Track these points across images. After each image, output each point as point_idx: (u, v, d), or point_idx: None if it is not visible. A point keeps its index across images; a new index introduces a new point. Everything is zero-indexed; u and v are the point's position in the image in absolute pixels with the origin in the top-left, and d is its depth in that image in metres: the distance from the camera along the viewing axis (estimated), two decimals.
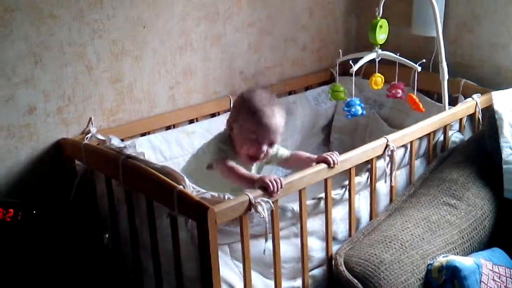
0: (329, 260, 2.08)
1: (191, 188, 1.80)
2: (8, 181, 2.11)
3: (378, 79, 2.63)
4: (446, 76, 2.57)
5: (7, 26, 2.00)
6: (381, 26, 2.54)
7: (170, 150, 2.44)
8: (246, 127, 1.99)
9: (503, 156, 2.20)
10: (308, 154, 2.16)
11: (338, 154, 2.02)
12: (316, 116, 3.00)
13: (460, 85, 2.75)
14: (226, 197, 1.78)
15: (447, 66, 2.84)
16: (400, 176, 2.37)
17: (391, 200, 2.29)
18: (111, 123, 2.35)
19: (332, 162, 1.98)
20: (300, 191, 1.92)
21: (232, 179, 1.93)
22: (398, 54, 2.62)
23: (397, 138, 2.22)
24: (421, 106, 2.58)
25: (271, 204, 1.79)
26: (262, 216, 1.76)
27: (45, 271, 1.94)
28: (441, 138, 2.48)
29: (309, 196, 2.02)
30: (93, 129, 2.25)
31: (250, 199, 1.74)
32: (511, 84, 2.64)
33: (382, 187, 2.28)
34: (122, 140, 2.31)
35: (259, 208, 1.75)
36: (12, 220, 1.87)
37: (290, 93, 2.97)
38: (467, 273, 1.90)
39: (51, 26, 2.10)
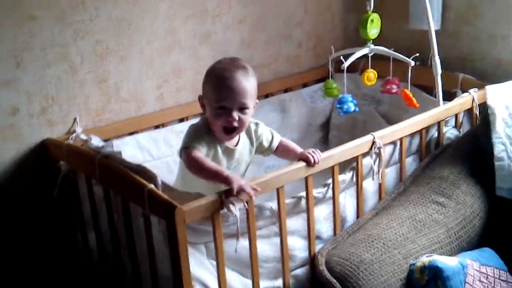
0: (311, 259, 2.03)
1: (162, 186, 1.78)
2: None
3: (371, 74, 2.58)
4: (439, 71, 2.50)
5: None
6: (372, 21, 2.48)
7: (158, 150, 2.43)
8: (211, 98, 1.88)
9: (495, 153, 2.13)
10: (293, 146, 2.08)
11: (320, 153, 1.98)
12: (312, 114, 2.96)
13: (458, 79, 2.67)
14: (194, 195, 1.75)
15: (447, 60, 2.77)
16: (391, 173, 2.31)
17: (380, 198, 2.24)
18: (97, 123, 2.34)
19: (312, 161, 1.94)
20: (278, 189, 1.88)
21: (195, 171, 1.83)
22: (392, 49, 2.57)
23: (384, 135, 2.16)
24: (414, 101, 2.51)
25: (245, 204, 1.75)
26: (234, 215, 1.73)
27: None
28: (436, 134, 2.41)
29: (294, 193, 1.99)
30: (78, 129, 2.25)
31: (221, 198, 1.71)
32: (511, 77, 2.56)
33: (370, 185, 2.23)
34: (108, 140, 2.32)
35: (231, 207, 1.72)
36: None
37: (286, 91, 2.93)
38: (450, 273, 1.84)
39: (32, 28, 2.10)
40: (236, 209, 1.72)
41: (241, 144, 2.01)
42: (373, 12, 2.49)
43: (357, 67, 2.93)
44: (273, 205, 1.92)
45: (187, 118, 2.56)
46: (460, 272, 1.87)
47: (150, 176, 1.79)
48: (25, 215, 2.18)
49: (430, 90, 2.79)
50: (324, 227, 2.11)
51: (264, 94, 2.83)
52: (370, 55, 2.57)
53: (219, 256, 1.77)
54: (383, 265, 1.90)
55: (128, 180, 1.79)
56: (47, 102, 2.20)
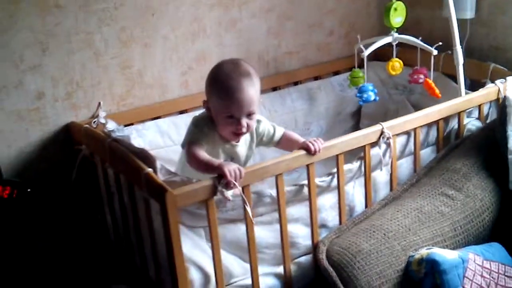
0: (315, 248, 2.05)
1: (163, 171, 1.85)
2: (20, 162, 2.26)
3: (396, 64, 2.54)
4: (461, 60, 2.43)
5: (13, 16, 2.14)
6: (395, 9, 2.44)
7: (179, 135, 2.49)
8: (219, 106, 1.92)
9: (509, 146, 2.05)
10: (297, 137, 2.11)
11: (322, 141, 1.98)
12: (342, 102, 2.94)
13: (488, 69, 2.57)
14: (194, 180, 1.82)
15: (480, 50, 2.70)
16: (406, 164, 2.28)
17: (391, 189, 2.21)
18: (121, 107, 2.45)
19: (313, 149, 1.95)
20: (276, 177, 1.91)
21: (194, 165, 1.90)
22: (420, 38, 2.51)
23: (394, 125, 2.14)
24: (437, 91, 2.47)
25: (240, 190, 1.79)
26: (229, 200, 1.77)
27: (38, 248, 2.07)
28: (457, 126, 2.35)
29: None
30: (101, 114, 2.36)
31: (215, 183, 1.76)
32: None
33: (381, 176, 2.21)
34: (131, 124, 2.42)
35: (225, 192, 1.77)
36: (8, 197, 2.01)
37: (316, 79, 2.93)
38: (447, 267, 1.81)
39: (57, 16, 2.22)
40: (229, 194, 1.76)
41: (242, 141, 2.06)
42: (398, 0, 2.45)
43: (388, 56, 2.89)
44: (273, 192, 1.95)
45: None
46: (459, 266, 1.84)
47: (150, 160, 1.86)
48: (50, 195, 2.31)
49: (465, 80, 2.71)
50: (330, 216, 2.12)
51: (292, 81, 2.85)
52: (394, 43, 2.52)
53: (213, 241, 1.82)
54: (380, 256, 1.89)
55: (130, 164, 1.87)
56: (72, 87, 2.32)
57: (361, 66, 2.80)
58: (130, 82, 2.44)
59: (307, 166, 1.97)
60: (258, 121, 2.09)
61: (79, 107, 2.35)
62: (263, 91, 2.69)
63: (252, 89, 1.91)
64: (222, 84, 1.91)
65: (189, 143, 1.93)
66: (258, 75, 1.97)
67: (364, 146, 2.08)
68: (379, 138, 2.10)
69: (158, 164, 1.84)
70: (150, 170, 1.80)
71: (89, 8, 2.28)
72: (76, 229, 2.35)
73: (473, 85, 2.64)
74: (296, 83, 2.86)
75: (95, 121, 2.33)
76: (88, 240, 2.36)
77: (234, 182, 1.76)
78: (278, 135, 2.12)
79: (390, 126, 2.12)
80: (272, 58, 2.79)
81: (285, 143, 2.12)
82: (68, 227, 2.34)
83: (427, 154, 2.33)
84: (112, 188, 2.15)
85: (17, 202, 2.02)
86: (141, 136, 2.39)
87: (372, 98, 2.48)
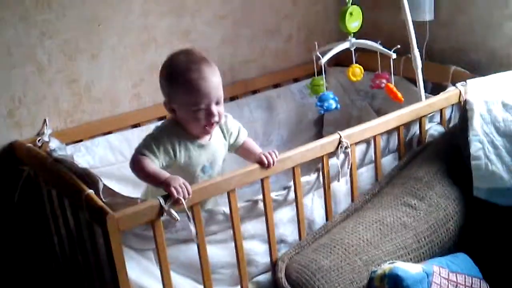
0: (274, 265, 1.95)
1: (106, 192, 1.73)
2: None
3: (356, 69, 2.46)
4: (419, 64, 2.36)
5: None
6: (351, 13, 2.36)
7: (132, 150, 2.35)
8: (185, 102, 1.79)
9: (471, 151, 1.98)
10: (255, 148, 2.00)
11: (277, 153, 1.88)
12: (303, 110, 2.85)
13: (449, 72, 2.51)
14: (139, 201, 1.70)
15: (441, 52, 2.64)
16: (366, 174, 2.20)
17: (352, 200, 2.13)
18: (69, 124, 2.32)
19: (266, 163, 1.85)
20: (228, 193, 1.81)
21: (139, 175, 1.78)
22: (379, 42, 2.44)
23: (352, 134, 2.05)
24: (399, 95, 2.40)
25: (187, 210, 1.68)
26: (177, 220, 1.66)
27: None
28: (418, 131, 2.28)
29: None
30: (47, 131, 2.24)
31: (160, 203, 1.65)
32: (507, 69, 2.38)
33: (341, 186, 2.12)
34: (81, 141, 2.30)
35: (172, 212, 1.66)
36: None
37: (276, 87, 2.84)
38: (410, 282, 1.71)
39: None
40: (176, 214, 1.65)
41: (214, 137, 1.93)
42: (353, 4, 2.37)
43: (351, 62, 2.81)
44: (226, 209, 1.85)
45: (166, 117, 2.51)
46: (423, 280, 1.74)
47: (93, 181, 1.75)
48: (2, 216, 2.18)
49: (424, 84, 2.64)
50: (288, 230, 2.03)
51: (250, 90, 2.75)
52: (352, 49, 2.45)
53: (162, 264, 1.71)
54: (341, 273, 1.80)
55: (71, 185, 1.76)
56: (14, 104, 2.19)
57: (320, 73, 2.73)
58: (77, 97, 2.32)
59: (262, 180, 1.87)
60: (226, 116, 1.97)
61: (23, 124, 2.22)
62: None
63: (213, 75, 1.81)
64: (183, 78, 1.79)
65: (138, 151, 1.81)
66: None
67: (322, 157, 1.99)
68: (337, 148, 2.01)
69: (101, 184, 1.73)
70: (90, 191, 1.69)
71: (30, 19, 2.16)
72: (19, 251, 2.22)
73: (436, 89, 2.58)
74: (254, 92, 2.77)
75: (39, 139, 2.20)
76: (33, 262, 2.22)
77: (182, 200, 1.65)
78: (241, 139, 2.01)
79: (348, 134, 2.03)
80: (228, 67, 2.69)
81: (244, 152, 2.02)
82: (10, 249, 2.20)
83: (388, 161, 2.25)
84: (56, 211, 2.03)
85: None
86: (91, 153, 2.27)
87: (333, 106, 2.40)
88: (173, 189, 1.64)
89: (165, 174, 1.73)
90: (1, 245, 2.21)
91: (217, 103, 1.82)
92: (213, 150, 1.91)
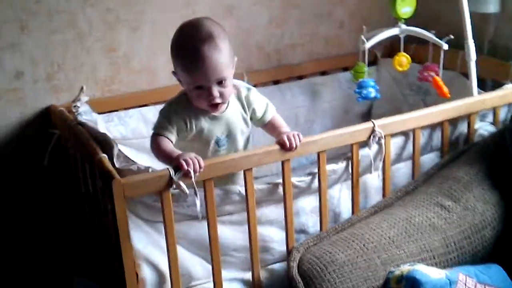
0: (289, 254, 1.86)
1: (121, 158, 1.70)
2: None
3: (402, 59, 2.33)
4: (473, 57, 2.18)
5: None
6: None
7: None
8: (185, 78, 1.73)
9: None
10: (281, 126, 1.90)
11: (301, 137, 1.79)
12: (350, 101, 2.70)
13: (510, 69, 2.31)
14: (150, 170, 1.66)
15: (505, 48, 2.43)
16: (404, 170, 2.07)
17: (383, 196, 2.00)
18: (106, 93, 2.32)
19: (288, 145, 1.75)
20: (244, 172, 1.73)
21: (156, 155, 1.73)
22: (433, 32, 2.28)
23: (388, 124, 1.92)
24: (445, 90, 2.24)
25: (194, 183, 1.61)
26: (186, 193, 1.60)
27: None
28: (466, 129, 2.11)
29: None
30: (84, 98, 2.22)
31: (170, 174, 1.59)
32: None
33: (374, 181, 1.99)
34: (116, 111, 2.29)
35: (183, 185, 1.60)
36: None
37: (323, 74, 2.72)
38: (429, 287, 1.58)
39: None
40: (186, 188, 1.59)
41: (230, 109, 1.84)
42: None
43: (408, 52, 2.65)
44: (242, 189, 1.77)
45: None
46: (444, 287, 1.60)
47: (109, 146, 1.72)
48: (21, 178, 2.20)
49: (484, 81, 2.45)
50: (311, 220, 1.93)
51: (296, 75, 2.65)
52: (401, 36, 2.30)
53: (168, 237, 1.66)
54: (355, 269, 1.68)
55: (88, 148, 1.74)
56: (53, 68, 2.20)
57: (370, 62, 2.60)
58: (115, 67, 2.31)
59: (282, 162, 1.78)
60: (249, 89, 1.89)
61: (61, 90, 2.23)
62: (262, 84, 2.56)
63: (217, 54, 1.69)
64: (183, 53, 1.71)
65: (153, 134, 1.77)
66: (225, 33, 1.76)
67: (352, 145, 1.87)
68: (369, 137, 1.88)
69: (116, 150, 1.70)
70: (103, 155, 1.67)
71: None
72: (43, 215, 2.23)
73: (495, 87, 2.39)
74: (300, 78, 2.67)
75: (75, 106, 2.19)
76: (55, 227, 2.23)
77: (191, 172, 1.58)
78: (268, 115, 1.91)
79: (383, 124, 1.90)
80: (274, 49, 2.60)
81: (270, 128, 1.92)
82: (35, 212, 2.22)
83: (430, 159, 2.10)
84: (79, 174, 2.02)
85: None
86: (123, 124, 2.26)
87: (373, 95, 2.26)
88: (182, 161, 1.58)
89: (178, 151, 1.67)
90: (30, 207, 2.22)
91: (220, 83, 1.72)
92: (227, 121, 1.82)
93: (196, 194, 1.61)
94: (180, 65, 1.73)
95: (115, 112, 2.27)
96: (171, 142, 1.75)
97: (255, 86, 2.49)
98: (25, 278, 2.13)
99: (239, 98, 1.86)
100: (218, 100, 1.74)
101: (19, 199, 2.20)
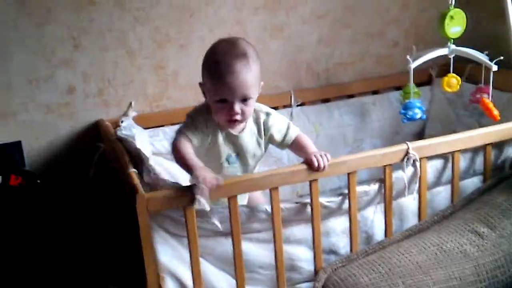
0: (316, 274, 1.84)
1: (152, 174, 1.75)
2: (47, 154, 2.29)
3: (452, 80, 2.26)
4: None
5: (47, 11, 2.17)
6: (452, 17, 2.16)
7: None
8: (211, 89, 1.75)
9: None
10: (308, 146, 1.87)
11: (329, 157, 1.77)
12: (400, 121, 2.65)
13: None
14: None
15: None
16: (444, 194, 2.00)
17: (419, 219, 1.94)
18: (155, 108, 2.40)
19: (316, 166, 1.74)
20: (270, 191, 1.74)
21: (175, 157, 1.75)
22: (486, 52, 2.20)
23: (423, 146, 1.87)
24: (495, 112, 2.15)
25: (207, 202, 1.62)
26: (207, 210, 1.63)
27: (38, 239, 2.06)
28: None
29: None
30: (132, 113, 2.32)
31: (192, 190, 1.63)
32: None
33: (411, 204, 1.95)
34: (163, 126, 2.36)
35: (202, 201, 1.62)
36: (19, 186, 2.03)
37: (374, 93, 2.69)
38: None
39: (91, 12, 2.22)
40: (206, 205, 1.62)
41: (247, 132, 1.86)
42: (456, 7, 2.17)
43: (462, 73, 2.57)
44: (269, 207, 1.77)
45: None
46: None
47: (141, 161, 1.79)
48: (66, 190, 2.30)
49: None
50: (342, 241, 1.90)
51: (346, 94, 2.64)
52: (451, 56, 2.24)
53: (192, 252, 1.69)
54: None
55: (121, 163, 1.81)
56: (104, 84, 2.31)
57: (426, 82, 2.55)
58: (163, 83, 2.39)
59: (310, 182, 1.77)
60: (268, 114, 1.89)
61: (110, 105, 2.34)
62: (311, 102, 2.57)
63: (246, 72, 1.72)
64: (214, 65, 1.74)
65: (177, 133, 1.80)
66: (258, 56, 1.78)
67: (384, 167, 1.84)
68: (403, 159, 1.84)
69: (147, 165, 1.76)
70: (133, 170, 1.73)
71: (124, 6, 2.26)
72: (85, 225, 2.32)
73: None
74: (350, 97, 2.65)
75: (122, 120, 2.29)
76: (94, 237, 2.32)
77: (204, 188, 1.59)
78: (290, 137, 1.90)
79: (418, 147, 1.85)
80: (324, 68, 2.60)
81: (296, 149, 1.91)
82: (77, 223, 2.32)
83: (473, 183, 2.02)
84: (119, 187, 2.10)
85: (25, 192, 2.04)
86: (168, 139, 2.31)
87: (418, 116, 2.21)
88: (199, 174, 1.60)
89: (199, 163, 1.68)
90: (76, 216, 2.33)
91: (244, 100, 1.74)
92: (242, 144, 1.85)
93: (212, 212, 1.64)
94: (210, 76, 1.76)
95: (161, 128, 2.34)
96: (193, 145, 1.77)
97: (303, 104, 2.55)
98: (63, 283, 2.22)
99: (257, 122, 1.88)
100: (238, 117, 1.76)
101: (67, 208, 2.30)
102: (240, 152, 1.87)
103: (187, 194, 1.62)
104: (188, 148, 1.75)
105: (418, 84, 2.68)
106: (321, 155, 1.76)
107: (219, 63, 1.74)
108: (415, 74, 2.56)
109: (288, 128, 1.90)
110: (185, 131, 1.79)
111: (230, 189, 1.67)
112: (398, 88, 2.70)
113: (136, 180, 1.67)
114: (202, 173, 1.62)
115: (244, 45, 1.77)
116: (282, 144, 1.92)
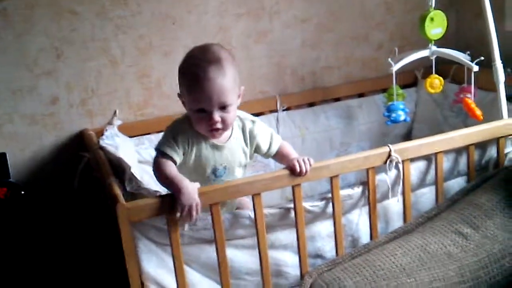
0: (301, 279, 1.84)
1: (133, 182, 1.75)
2: (32, 165, 2.28)
3: (435, 81, 2.26)
4: (502, 78, 2.08)
5: (28, 21, 2.16)
6: (432, 19, 2.16)
7: None
8: (188, 99, 1.72)
9: None
10: (290, 153, 1.86)
11: (311, 162, 1.77)
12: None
13: None
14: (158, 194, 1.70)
15: None
16: (429, 195, 2.00)
17: (404, 221, 1.94)
18: (139, 117, 2.40)
19: (298, 171, 1.74)
20: (253, 197, 1.73)
21: (157, 176, 1.71)
22: (468, 52, 2.20)
23: (405, 148, 1.87)
24: (477, 113, 2.14)
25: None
26: (194, 219, 1.63)
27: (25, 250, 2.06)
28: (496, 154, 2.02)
29: None
30: (116, 122, 2.32)
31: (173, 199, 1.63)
32: None
33: (395, 206, 1.94)
34: (148, 134, 2.36)
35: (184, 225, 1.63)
36: (4, 198, 2.03)
37: (360, 96, 2.69)
38: None
39: (73, 22, 2.22)
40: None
41: (233, 140, 1.82)
42: (436, 9, 2.17)
43: (448, 74, 2.58)
44: (252, 213, 1.77)
45: None
46: None
47: (122, 169, 1.78)
48: (50, 200, 2.30)
49: None
50: (327, 245, 1.90)
51: (332, 98, 2.64)
52: (432, 58, 2.24)
53: (176, 260, 1.69)
54: None
55: (102, 172, 1.81)
56: (87, 93, 2.31)
57: (412, 83, 2.56)
58: (148, 92, 2.39)
59: (293, 187, 1.77)
60: (253, 122, 1.86)
61: (95, 114, 2.33)
62: (296, 107, 2.57)
63: (221, 78, 1.67)
64: (188, 74, 1.71)
65: (157, 152, 1.76)
66: (233, 60, 1.74)
67: (367, 170, 1.84)
68: (386, 162, 1.84)
69: (128, 174, 1.75)
70: (113, 179, 1.72)
71: (106, 15, 2.26)
72: (70, 235, 2.32)
73: None
74: (336, 100, 2.65)
75: (107, 129, 2.29)
76: (79, 247, 2.31)
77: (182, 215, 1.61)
78: (275, 146, 1.88)
79: (400, 149, 1.86)
80: (309, 72, 2.60)
81: (280, 158, 1.90)
82: (62, 233, 2.31)
83: (458, 184, 2.03)
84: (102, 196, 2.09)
85: (9, 203, 2.03)
86: (153, 147, 2.31)
87: (402, 118, 2.21)
88: (179, 206, 1.60)
89: (182, 182, 1.63)
90: (62, 227, 2.32)
91: (223, 108, 1.70)
92: (228, 153, 1.81)
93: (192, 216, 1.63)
94: (185, 86, 1.73)
95: (146, 136, 2.34)
96: (175, 163, 1.73)
97: (289, 108, 2.55)
98: None
99: (243, 130, 1.84)
100: (219, 126, 1.72)
101: (52, 219, 2.30)
102: (228, 163, 1.82)
103: (170, 202, 1.62)
104: (169, 167, 1.70)
105: (404, 86, 2.70)
106: (303, 160, 1.76)
107: (192, 71, 1.70)
108: (401, 76, 2.57)
109: (271, 137, 1.88)
110: (165, 150, 1.74)
111: (213, 196, 1.67)
112: (384, 91, 2.68)
113: (117, 190, 1.67)
114: (185, 199, 1.60)
115: (217, 49, 1.73)
116: (267, 154, 1.90)
